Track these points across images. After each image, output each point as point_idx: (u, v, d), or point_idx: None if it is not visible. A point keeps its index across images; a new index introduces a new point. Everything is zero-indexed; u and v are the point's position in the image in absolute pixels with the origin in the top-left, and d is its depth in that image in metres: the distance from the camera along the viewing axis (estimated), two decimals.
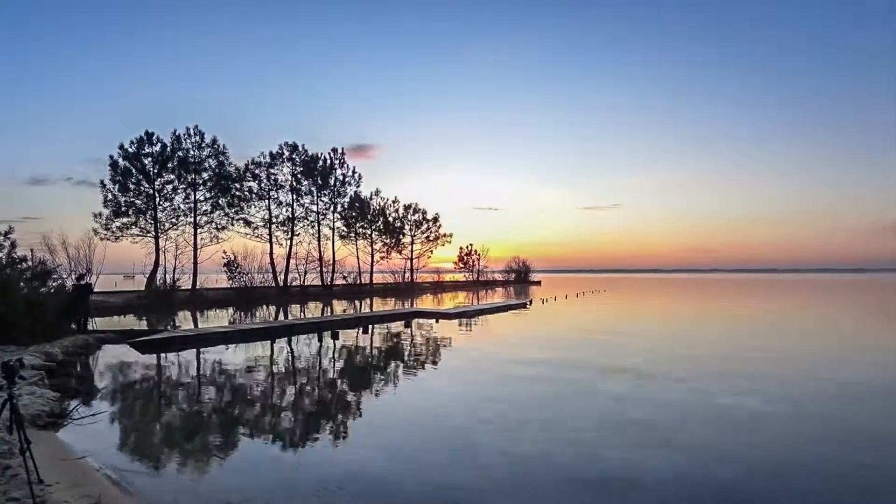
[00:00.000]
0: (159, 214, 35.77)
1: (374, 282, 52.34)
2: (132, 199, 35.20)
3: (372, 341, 15.70)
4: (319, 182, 44.58)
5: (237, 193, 39.40)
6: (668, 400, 8.26)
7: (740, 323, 21.83)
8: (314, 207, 44.93)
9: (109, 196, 34.72)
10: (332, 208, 46.22)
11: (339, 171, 45.96)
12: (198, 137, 36.84)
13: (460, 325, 20.13)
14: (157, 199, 35.68)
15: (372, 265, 51.72)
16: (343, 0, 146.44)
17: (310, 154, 43.94)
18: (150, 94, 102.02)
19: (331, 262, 46.16)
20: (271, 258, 41.29)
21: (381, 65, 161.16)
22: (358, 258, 50.02)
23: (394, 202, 54.18)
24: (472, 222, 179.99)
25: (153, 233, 35.49)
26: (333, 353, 13.57)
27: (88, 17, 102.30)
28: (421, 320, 21.81)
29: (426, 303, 35.85)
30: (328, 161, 45.22)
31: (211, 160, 37.38)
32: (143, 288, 33.67)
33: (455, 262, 74.60)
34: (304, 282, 43.38)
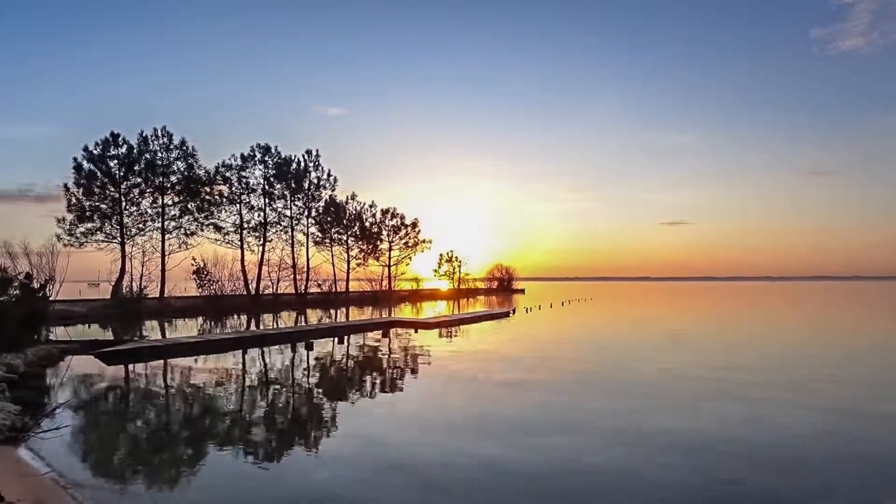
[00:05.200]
0: (125, 219, 34.79)
1: (351, 290, 51.60)
2: (97, 204, 34.13)
3: (347, 352, 15.55)
4: (293, 185, 43.79)
5: (207, 197, 38.51)
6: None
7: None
8: (287, 212, 44.08)
9: (73, 200, 33.62)
10: (306, 213, 45.46)
11: (313, 175, 45.24)
12: (166, 139, 35.99)
13: (440, 335, 19.97)
14: (123, 204, 34.71)
15: (348, 273, 50.63)
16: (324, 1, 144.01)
17: (283, 156, 43.06)
18: (114, 96, 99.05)
19: (305, 269, 45.45)
20: (242, 265, 40.47)
21: (365, 66, 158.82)
22: (333, 265, 48.90)
23: (370, 207, 52.82)
24: None
25: (119, 239, 34.49)
26: (305, 365, 13.36)
27: (46, 14, 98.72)
28: (399, 330, 21.55)
29: (405, 312, 35.38)
30: (302, 164, 44.51)
31: (179, 162, 36.60)
32: (108, 296, 32.59)
33: (436, 271, 73.56)
34: (276, 290, 42.43)
